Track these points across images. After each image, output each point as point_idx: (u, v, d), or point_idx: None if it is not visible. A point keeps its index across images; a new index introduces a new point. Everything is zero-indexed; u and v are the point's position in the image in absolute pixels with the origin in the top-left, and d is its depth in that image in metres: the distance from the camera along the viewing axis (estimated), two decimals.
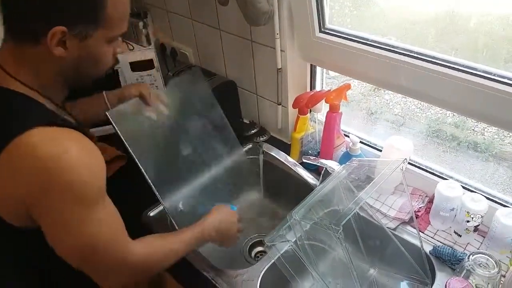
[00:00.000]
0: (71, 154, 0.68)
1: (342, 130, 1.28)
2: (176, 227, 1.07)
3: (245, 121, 1.52)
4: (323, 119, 1.22)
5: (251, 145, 1.44)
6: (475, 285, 0.88)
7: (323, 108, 1.24)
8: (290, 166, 1.19)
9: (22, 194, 0.69)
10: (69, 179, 0.68)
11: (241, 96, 1.50)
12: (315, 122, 1.32)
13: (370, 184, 0.89)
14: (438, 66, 0.94)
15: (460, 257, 0.99)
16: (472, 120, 1.15)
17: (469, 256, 0.91)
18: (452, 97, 0.95)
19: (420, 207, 1.14)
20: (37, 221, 0.72)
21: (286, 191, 1.35)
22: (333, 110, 1.16)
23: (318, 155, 1.28)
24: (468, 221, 1.00)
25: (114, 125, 0.97)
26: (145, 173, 1.00)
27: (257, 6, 1.06)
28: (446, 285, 0.88)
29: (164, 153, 1.13)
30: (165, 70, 1.61)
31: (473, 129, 1.19)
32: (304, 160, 1.14)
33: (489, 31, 0.95)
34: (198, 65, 1.60)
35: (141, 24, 1.43)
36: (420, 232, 1.09)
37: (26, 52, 0.73)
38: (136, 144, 0.99)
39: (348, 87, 1.15)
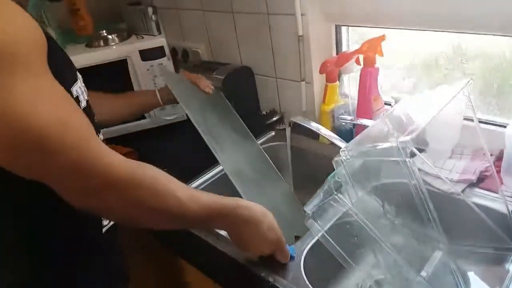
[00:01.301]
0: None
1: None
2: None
3: (264, 112, 1.37)
4: (356, 90, 1.08)
5: (274, 132, 1.29)
6: None
7: (354, 69, 1.09)
8: (326, 136, 1.02)
9: None
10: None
11: (259, 84, 1.37)
12: (347, 96, 1.18)
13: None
14: None
15: None
16: None
17: None
18: None
19: (486, 167, 0.94)
20: None
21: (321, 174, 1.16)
22: (368, 65, 1.02)
23: (354, 129, 1.11)
24: None
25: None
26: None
27: None
28: None
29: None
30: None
31: None
32: (341, 121, 0.98)
33: None
34: (210, 59, 1.50)
35: (150, 10, 1.35)
36: (495, 194, 0.89)
37: None
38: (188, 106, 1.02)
39: (382, 38, 1.01)
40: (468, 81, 0.73)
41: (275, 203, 1.07)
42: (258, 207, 0.75)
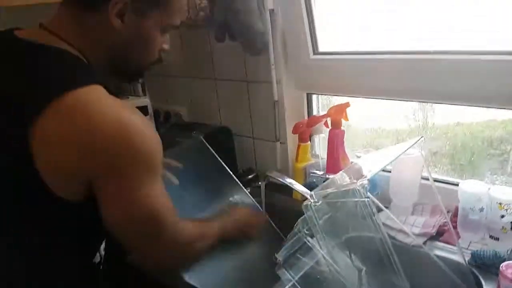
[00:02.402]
0: (137, 120, 0.66)
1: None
2: None
3: (241, 170, 1.45)
4: (325, 151, 1.19)
5: (249, 189, 1.35)
6: None
7: (323, 130, 1.20)
8: (298, 190, 1.09)
9: (82, 158, 0.64)
10: (140, 145, 0.65)
11: (237, 143, 1.46)
12: (318, 157, 1.28)
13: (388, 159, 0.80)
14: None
15: (504, 258, 0.85)
16: None
17: None
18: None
19: (444, 222, 1.02)
20: (97, 189, 0.67)
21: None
22: (335, 127, 1.13)
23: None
24: (502, 216, 0.89)
25: None
26: None
27: (254, 27, 1.12)
28: (501, 269, 0.73)
29: None
30: None
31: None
32: (312, 176, 1.06)
33: None
34: (192, 121, 1.60)
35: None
36: (452, 246, 0.96)
37: (83, 18, 0.72)
38: None
39: (347, 105, 1.14)
40: (420, 138, 0.83)
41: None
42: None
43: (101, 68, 0.76)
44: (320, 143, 1.27)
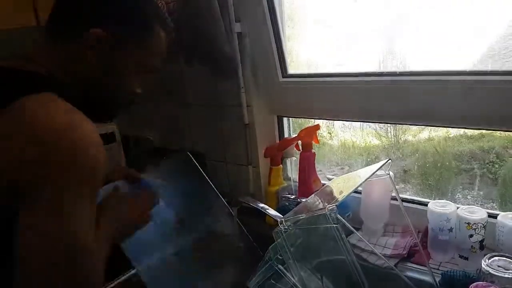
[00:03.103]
0: (83, 131, 0.61)
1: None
2: None
3: None
4: (297, 174, 1.18)
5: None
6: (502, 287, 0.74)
7: (294, 154, 1.20)
8: (271, 215, 1.08)
9: (13, 163, 0.57)
10: (81, 158, 0.59)
11: (210, 168, 1.43)
12: (290, 179, 1.27)
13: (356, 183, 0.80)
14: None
15: (474, 277, 0.85)
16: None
17: (484, 259, 0.79)
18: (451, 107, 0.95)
19: (415, 243, 1.03)
20: (22, 200, 0.57)
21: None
22: (306, 149, 1.13)
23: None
24: (471, 236, 0.90)
25: None
26: None
27: (222, 52, 1.12)
28: None
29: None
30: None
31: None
32: (283, 200, 1.05)
33: None
34: (163, 146, 1.57)
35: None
36: (423, 266, 0.96)
37: (61, 48, 0.71)
38: None
39: (317, 127, 1.15)
40: (387, 160, 0.84)
41: None
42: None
43: (77, 99, 0.72)
44: (292, 166, 1.27)
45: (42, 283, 0.59)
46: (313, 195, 0.86)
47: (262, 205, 1.11)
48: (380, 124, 1.26)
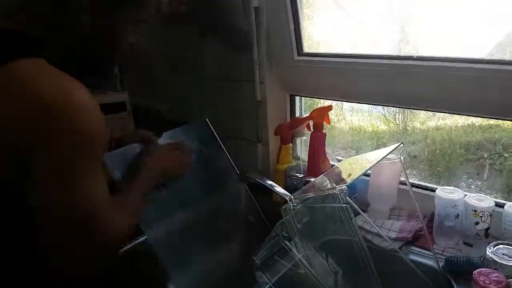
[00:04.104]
0: (80, 96, 0.60)
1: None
2: None
3: None
4: (306, 154, 1.18)
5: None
6: (506, 275, 0.75)
7: (305, 133, 1.20)
8: (278, 192, 1.09)
9: (14, 137, 0.57)
10: (82, 124, 0.59)
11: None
12: (299, 159, 1.27)
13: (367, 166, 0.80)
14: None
15: (477, 264, 0.86)
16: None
17: (490, 247, 0.80)
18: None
19: (420, 227, 1.04)
20: (31, 163, 0.58)
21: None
22: (317, 129, 1.13)
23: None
24: (477, 223, 0.91)
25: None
26: None
27: (238, 26, 1.10)
28: (474, 276, 0.75)
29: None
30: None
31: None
32: (292, 178, 1.05)
33: None
34: (173, 119, 1.57)
35: (116, 68, 1.43)
36: (427, 251, 0.97)
37: (52, 11, 0.67)
38: None
39: (329, 108, 1.14)
40: (399, 144, 0.84)
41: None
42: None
43: (69, 61, 0.70)
44: (301, 145, 1.27)
45: (62, 247, 0.63)
46: (322, 175, 0.86)
47: (270, 182, 1.12)
48: (389, 109, 1.25)
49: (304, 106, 1.32)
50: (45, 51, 0.64)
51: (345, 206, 0.66)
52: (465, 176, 1.17)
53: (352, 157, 0.99)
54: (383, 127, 1.34)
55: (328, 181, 0.85)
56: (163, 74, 1.54)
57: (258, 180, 1.12)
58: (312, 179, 1.04)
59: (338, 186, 0.67)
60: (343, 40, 1.22)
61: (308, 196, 0.72)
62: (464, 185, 1.16)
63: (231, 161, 1.17)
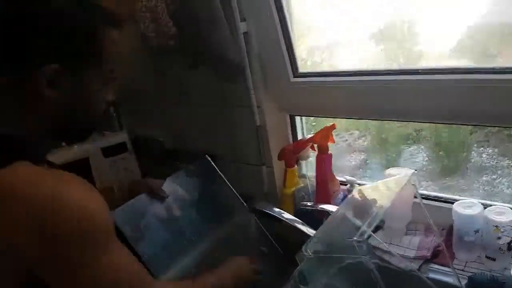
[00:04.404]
0: (68, 195, 0.59)
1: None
2: None
3: None
4: (313, 172, 1.15)
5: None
6: None
7: (310, 155, 1.17)
8: (288, 221, 1.07)
9: (19, 246, 0.57)
10: (73, 223, 0.58)
11: (222, 171, 1.41)
12: (305, 178, 1.25)
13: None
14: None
15: (502, 282, 0.84)
16: None
17: None
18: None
19: (439, 243, 1.01)
20: (43, 276, 0.60)
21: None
22: (322, 152, 1.10)
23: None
24: (499, 238, 0.88)
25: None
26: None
27: (227, 57, 1.06)
28: None
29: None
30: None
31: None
32: (301, 206, 1.03)
33: None
34: (174, 148, 1.54)
35: (111, 108, 1.40)
36: (447, 268, 0.95)
37: (11, 89, 0.63)
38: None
39: (333, 127, 1.11)
40: (413, 171, 0.81)
41: None
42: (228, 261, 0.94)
43: (41, 137, 0.68)
44: (307, 166, 1.24)
45: None
46: (341, 206, 0.84)
47: (278, 210, 1.10)
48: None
49: (306, 125, 1.28)
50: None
51: (365, 258, 0.63)
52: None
53: (370, 184, 0.97)
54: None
55: (350, 214, 0.82)
56: (160, 105, 1.50)
57: (267, 211, 1.10)
58: (324, 207, 1.02)
59: (355, 237, 0.64)
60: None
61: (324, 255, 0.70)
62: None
63: (237, 195, 1.14)
